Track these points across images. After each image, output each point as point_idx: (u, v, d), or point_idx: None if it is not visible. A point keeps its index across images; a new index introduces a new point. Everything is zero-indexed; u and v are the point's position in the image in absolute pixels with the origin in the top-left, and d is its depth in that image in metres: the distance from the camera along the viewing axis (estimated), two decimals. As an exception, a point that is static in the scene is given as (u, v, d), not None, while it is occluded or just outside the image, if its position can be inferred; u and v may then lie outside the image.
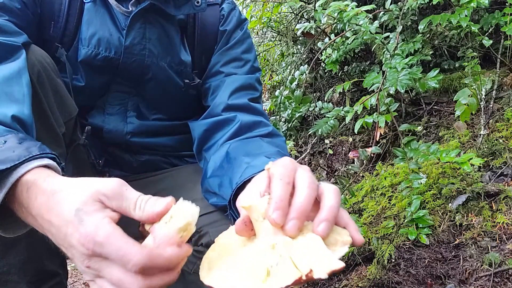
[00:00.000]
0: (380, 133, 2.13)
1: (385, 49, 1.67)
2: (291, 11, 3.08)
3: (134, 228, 0.65)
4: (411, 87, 1.61)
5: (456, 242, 1.55)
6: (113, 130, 1.19)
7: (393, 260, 1.56)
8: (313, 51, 2.88)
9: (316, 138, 2.70)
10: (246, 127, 1.10)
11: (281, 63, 3.18)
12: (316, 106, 2.06)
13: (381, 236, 1.64)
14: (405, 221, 1.57)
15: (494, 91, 2.00)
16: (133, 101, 1.20)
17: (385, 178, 1.97)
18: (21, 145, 0.65)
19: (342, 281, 1.65)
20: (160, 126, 1.25)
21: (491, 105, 1.97)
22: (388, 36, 1.74)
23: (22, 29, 0.95)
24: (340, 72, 2.72)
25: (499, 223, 1.52)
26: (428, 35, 2.06)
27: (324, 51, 1.97)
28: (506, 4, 1.74)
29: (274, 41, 3.46)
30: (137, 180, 1.25)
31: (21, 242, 1.05)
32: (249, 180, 0.83)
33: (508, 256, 1.41)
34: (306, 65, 2.47)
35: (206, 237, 1.09)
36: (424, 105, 2.36)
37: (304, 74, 2.31)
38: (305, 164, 2.67)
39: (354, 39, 1.80)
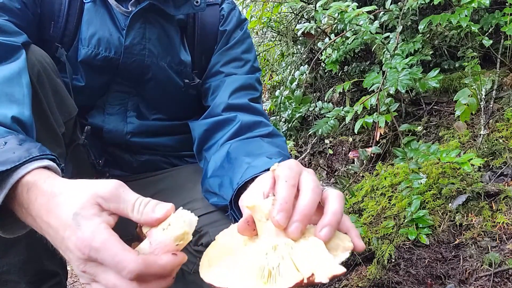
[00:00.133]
0: (380, 133, 2.13)
1: (385, 49, 1.67)
2: (291, 11, 3.08)
3: (132, 229, 0.65)
4: (411, 87, 1.61)
5: (456, 242, 1.55)
6: (113, 130, 1.19)
7: (393, 260, 1.56)
8: (313, 51, 2.88)
9: (316, 138, 2.70)
10: (246, 127, 1.10)
11: (281, 63, 3.18)
12: (316, 106, 2.06)
13: (381, 236, 1.64)
14: (405, 221, 1.57)
15: (494, 91, 1.99)
16: (133, 101, 1.20)
17: (385, 178, 1.97)
18: (22, 147, 0.65)
19: (342, 281, 1.65)
20: (160, 126, 1.25)
21: (491, 105, 1.97)
22: (388, 36, 1.74)
23: (22, 29, 0.95)
24: (340, 72, 2.72)
25: (499, 223, 1.52)
26: (428, 35, 2.06)
27: (324, 51, 1.97)
28: (506, 4, 1.74)
29: (274, 41, 3.46)
30: (137, 180, 1.25)
31: (21, 242, 1.05)
32: (250, 180, 0.83)
33: (508, 256, 1.41)
34: (306, 65, 2.47)
35: (206, 237, 1.09)
36: (424, 105, 2.36)
37: (304, 74, 2.31)
38: (305, 164, 2.68)
39: (354, 39, 1.80)
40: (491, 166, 1.77)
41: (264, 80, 3.41)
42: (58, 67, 1.04)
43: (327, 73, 2.93)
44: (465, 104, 1.59)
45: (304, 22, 2.59)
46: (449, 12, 1.88)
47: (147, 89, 1.18)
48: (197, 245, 1.12)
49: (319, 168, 2.64)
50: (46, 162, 0.65)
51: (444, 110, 2.29)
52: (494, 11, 1.82)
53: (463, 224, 1.58)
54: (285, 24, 3.05)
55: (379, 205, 1.85)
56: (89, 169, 1.18)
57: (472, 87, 1.69)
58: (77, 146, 1.11)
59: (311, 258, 0.58)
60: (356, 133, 1.94)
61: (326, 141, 2.68)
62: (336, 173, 2.53)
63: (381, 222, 1.72)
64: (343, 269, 0.56)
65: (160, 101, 1.23)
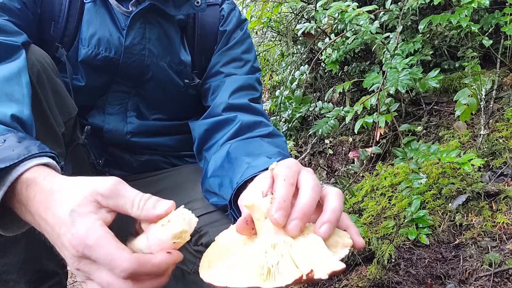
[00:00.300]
0: (380, 133, 2.13)
1: (385, 49, 1.67)
2: (291, 11, 3.08)
3: (131, 228, 0.65)
4: (411, 87, 1.61)
5: (456, 242, 1.55)
6: (113, 130, 1.19)
7: (393, 260, 1.56)
8: (313, 51, 2.88)
9: (316, 138, 2.70)
10: (246, 127, 1.10)
11: (281, 63, 3.18)
12: (316, 106, 2.06)
13: (381, 236, 1.64)
14: (405, 221, 1.57)
15: (494, 91, 1.99)
16: (133, 101, 1.20)
17: (385, 178, 1.97)
18: (21, 144, 0.65)
19: (342, 281, 1.65)
20: (160, 126, 1.25)
21: (491, 105, 1.97)
22: (388, 36, 1.74)
23: (22, 29, 0.95)
24: (340, 72, 2.72)
25: (499, 223, 1.52)
26: (428, 35, 2.06)
27: (324, 51, 1.97)
28: (506, 4, 1.74)
29: (274, 41, 3.46)
30: (137, 180, 1.25)
31: (21, 242, 1.05)
32: (250, 180, 0.83)
33: (508, 256, 1.41)
34: (306, 65, 2.47)
35: (206, 236, 1.09)
36: (424, 105, 2.36)
37: (304, 74, 2.31)
38: (305, 164, 2.68)
39: (354, 39, 1.80)
40: (491, 166, 1.77)
41: (264, 80, 3.41)
42: (59, 67, 1.04)
43: (327, 73, 2.93)
44: (465, 104, 1.59)
45: (304, 22, 2.59)
46: (449, 12, 1.88)
47: (147, 89, 1.18)
48: (197, 245, 1.12)
49: (319, 168, 2.64)
50: (46, 160, 0.65)
51: (444, 110, 2.29)
52: (494, 11, 1.82)
53: (463, 224, 1.58)
54: (285, 24, 3.05)
55: (379, 205, 1.85)
56: (89, 169, 1.18)
57: (472, 87, 1.69)
58: (77, 146, 1.11)
59: (310, 255, 0.58)
60: (356, 133, 1.94)
61: (326, 141, 2.68)
62: (336, 173, 2.52)
63: (381, 222, 1.72)
64: (342, 265, 0.56)
65: (160, 101, 1.23)
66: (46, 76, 0.94)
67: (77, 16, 1.11)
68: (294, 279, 0.55)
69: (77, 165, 1.12)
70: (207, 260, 0.65)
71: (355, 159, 2.35)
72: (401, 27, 1.74)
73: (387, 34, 1.74)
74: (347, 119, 1.64)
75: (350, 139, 2.57)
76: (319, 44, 2.07)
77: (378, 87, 1.56)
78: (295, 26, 2.68)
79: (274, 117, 2.36)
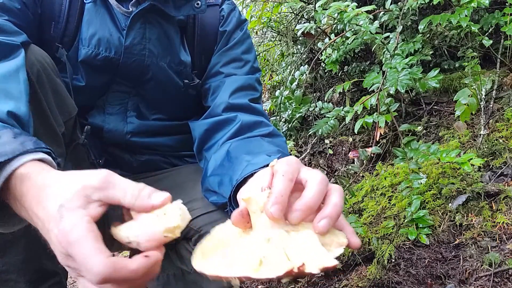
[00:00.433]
0: (380, 133, 2.13)
1: (385, 49, 1.67)
2: (291, 11, 3.08)
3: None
4: (411, 87, 1.61)
5: (456, 242, 1.55)
6: (113, 130, 1.19)
7: (393, 260, 1.56)
8: (313, 51, 2.88)
9: (316, 138, 2.70)
10: (246, 127, 1.10)
11: (281, 63, 3.18)
12: (316, 106, 2.06)
13: (381, 236, 1.64)
14: (405, 221, 1.57)
15: (494, 91, 1.99)
16: (133, 101, 1.20)
17: (385, 178, 1.97)
18: (16, 140, 0.64)
19: (342, 281, 1.65)
20: (160, 126, 1.25)
21: (491, 105, 1.97)
22: (388, 36, 1.74)
23: (22, 29, 0.95)
24: (340, 72, 2.72)
25: (499, 223, 1.52)
26: (428, 35, 2.06)
27: (324, 51, 1.97)
28: (506, 4, 1.74)
29: (274, 41, 3.46)
30: (137, 180, 1.25)
31: (21, 242, 1.05)
32: (249, 177, 0.83)
33: (508, 256, 1.41)
34: (306, 65, 2.47)
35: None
36: (424, 105, 2.36)
37: (304, 74, 2.31)
38: (305, 164, 2.67)
39: (354, 39, 1.80)
40: (491, 166, 1.77)
41: (264, 80, 3.41)
42: (59, 67, 1.04)
43: (327, 73, 2.93)
44: (465, 104, 1.59)
45: (304, 22, 2.59)
46: (449, 12, 1.88)
47: (147, 89, 1.18)
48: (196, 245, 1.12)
49: (319, 168, 2.64)
50: (41, 155, 0.64)
51: (444, 110, 2.29)
52: (494, 11, 1.82)
53: (463, 224, 1.58)
54: (285, 24, 3.05)
55: (379, 205, 1.85)
56: (89, 169, 1.18)
57: (472, 87, 1.69)
58: (77, 146, 1.11)
59: (303, 250, 0.58)
60: (356, 133, 1.94)
61: (326, 141, 2.68)
62: (336, 173, 2.52)
63: (381, 222, 1.72)
64: (335, 262, 0.56)
65: (160, 101, 1.23)
66: (46, 76, 0.94)
67: (77, 16, 1.11)
68: (285, 271, 0.55)
69: (77, 165, 1.12)
70: (201, 251, 0.65)
71: (355, 159, 2.35)
72: (401, 27, 1.74)
73: (387, 34, 1.74)
74: (347, 119, 1.64)
75: (350, 139, 2.57)
76: (319, 44, 2.07)
77: (378, 87, 1.56)
78: (295, 26, 2.68)
79: (274, 117, 2.36)
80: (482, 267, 1.41)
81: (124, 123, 1.20)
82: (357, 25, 1.60)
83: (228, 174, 0.95)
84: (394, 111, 1.59)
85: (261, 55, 3.44)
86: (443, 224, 1.61)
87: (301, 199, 0.63)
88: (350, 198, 1.95)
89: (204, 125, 1.17)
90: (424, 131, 2.22)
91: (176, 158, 1.32)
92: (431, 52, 2.00)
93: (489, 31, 1.87)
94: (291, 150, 2.71)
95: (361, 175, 2.18)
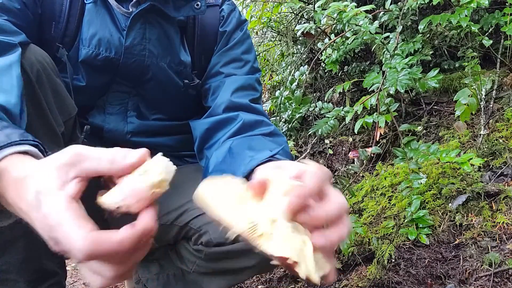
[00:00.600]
0: (380, 133, 2.13)
1: (385, 49, 1.67)
2: (291, 11, 3.08)
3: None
4: (411, 87, 1.61)
5: (456, 242, 1.55)
6: (113, 130, 1.19)
7: (393, 260, 1.56)
8: (313, 51, 2.88)
9: (316, 138, 2.70)
10: (248, 125, 1.10)
11: (281, 63, 3.18)
12: (316, 106, 2.06)
13: (381, 236, 1.64)
14: (405, 221, 1.57)
15: (494, 91, 2.00)
16: (133, 101, 1.20)
17: (385, 178, 1.97)
18: (1, 132, 0.62)
19: (342, 281, 1.65)
20: (160, 126, 1.26)
21: (491, 105, 1.97)
22: (388, 36, 1.74)
23: (21, 29, 0.95)
24: (340, 72, 2.72)
25: (499, 223, 1.52)
26: (428, 35, 2.06)
27: (324, 51, 1.97)
28: (506, 4, 1.74)
29: (274, 41, 3.46)
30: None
31: (20, 241, 1.05)
32: (251, 173, 0.83)
33: (508, 256, 1.41)
34: (306, 65, 2.47)
35: (205, 235, 1.09)
36: (424, 105, 2.36)
37: (304, 75, 2.31)
38: (305, 164, 2.67)
39: (354, 39, 1.80)
40: (491, 166, 1.77)
41: (264, 80, 3.41)
42: (59, 67, 1.04)
43: (327, 73, 2.93)
44: (465, 104, 1.59)
45: (304, 22, 2.60)
46: (449, 12, 1.88)
47: (147, 89, 1.19)
48: (196, 244, 1.12)
49: (319, 168, 2.64)
50: (26, 147, 0.62)
51: (444, 110, 2.29)
52: (494, 11, 1.82)
53: (463, 224, 1.58)
54: (285, 24, 3.05)
55: (379, 205, 1.85)
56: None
57: (472, 87, 1.69)
58: (76, 146, 1.10)
59: (300, 251, 0.57)
60: (356, 133, 1.94)
61: (326, 141, 2.68)
62: (336, 173, 2.52)
63: (381, 222, 1.72)
64: (317, 279, 0.55)
65: (160, 101, 1.23)
66: (46, 76, 0.94)
67: (78, 17, 1.11)
68: (281, 255, 0.54)
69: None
70: (206, 182, 0.63)
71: (355, 159, 2.36)
72: (401, 27, 1.74)
73: (387, 34, 1.74)
74: (347, 119, 1.64)
75: (350, 139, 2.57)
76: (319, 44, 2.07)
77: (378, 87, 1.56)
78: (295, 26, 2.68)
79: (274, 118, 2.36)
80: (482, 267, 1.41)
81: (124, 123, 1.20)
82: (356, 25, 1.60)
83: (230, 170, 0.94)
84: (394, 111, 1.59)
85: (261, 55, 3.44)
86: (443, 224, 1.61)
87: (325, 209, 0.59)
88: (350, 198, 1.95)
89: (205, 124, 1.17)
90: (424, 131, 2.22)
91: (176, 158, 1.32)
92: (431, 52, 2.00)
93: (489, 31, 1.87)
94: (291, 150, 2.71)
95: (361, 175, 2.18)
